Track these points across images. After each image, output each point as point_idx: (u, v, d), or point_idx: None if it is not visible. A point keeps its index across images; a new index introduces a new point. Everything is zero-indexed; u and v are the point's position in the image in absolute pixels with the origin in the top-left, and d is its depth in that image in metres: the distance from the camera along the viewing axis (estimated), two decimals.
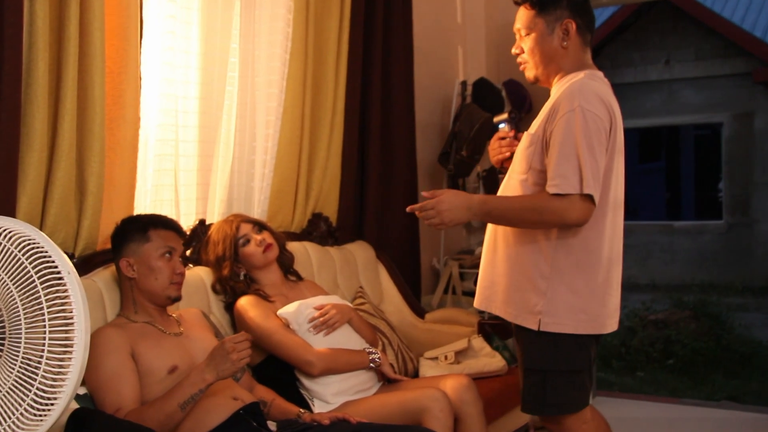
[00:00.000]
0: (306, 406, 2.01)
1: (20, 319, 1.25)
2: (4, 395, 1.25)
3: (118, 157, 1.98)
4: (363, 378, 2.11)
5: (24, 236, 1.29)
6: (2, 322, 1.27)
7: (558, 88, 1.78)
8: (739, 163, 8.87)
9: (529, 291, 1.75)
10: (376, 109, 2.96)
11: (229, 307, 2.18)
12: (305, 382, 2.05)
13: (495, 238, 1.84)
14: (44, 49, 1.73)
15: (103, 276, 1.90)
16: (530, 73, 1.84)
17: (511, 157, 1.88)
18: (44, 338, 1.24)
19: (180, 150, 2.24)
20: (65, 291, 1.26)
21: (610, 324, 1.80)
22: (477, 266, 2.03)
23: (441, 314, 2.86)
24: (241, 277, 2.19)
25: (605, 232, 1.75)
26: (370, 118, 2.95)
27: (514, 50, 1.86)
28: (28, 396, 1.23)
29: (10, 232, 1.30)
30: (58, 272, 1.26)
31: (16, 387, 1.24)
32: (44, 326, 1.24)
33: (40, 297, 1.25)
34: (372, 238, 2.93)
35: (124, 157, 1.99)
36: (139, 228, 1.84)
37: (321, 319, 2.11)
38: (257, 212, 2.52)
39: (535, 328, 1.74)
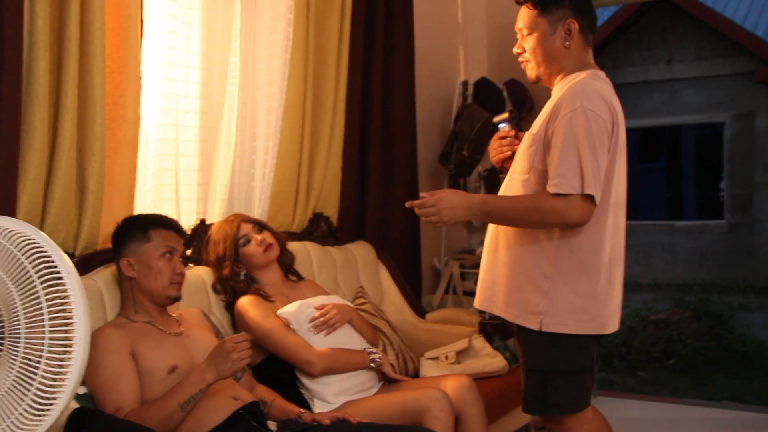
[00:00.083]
0: (306, 405, 2.01)
1: (20, 319, 1.25)
2: (3, 395, 1.25)
3: (119, 156, 1.98)
4: (363, 378, 2.11)
5: (24, 236, 1.29)
6: (2, 321, 1.27)
7: (560, 87, 1.78)
8: (740, 163, 8.86)
9: (531, 291, 1.75)
10: (377, 109, 2.96)
11: (230, 306, 2.18)
12: (306, 381, 2.05)
13: (496, 238, 1.84)
14: (45, 48, 1.73)
15: (104, 275, 1.90)
16: (532, 72, 1.83)
17: (511, 157, 1.88)
18: (44, 338, 1.24)
19: (180, 150, 2.23)
20: (65, 291, 1.26)
21: (612, 324, 1.79)
22: (478, 266, 2.02)
23: (442, 314, 2.86)
24: (242, 277, 2.19)
25: (607, 232, 1.75)
26: (370, 118, 2.95)
27: (515, 50, 1.85)
28: (27, 396, 1.23)
29: (10, 232, 1.30)
30: (58, 272, 1.26)
31: (15, 386, 1.24)
32: (44, 326, 1.24)
33: (39, 297, 1.25)
34: (373, 238, 2.93)
35: (124, 157, 1.99)
36: (139, 228, 1.84)
37: (321, 319, 2.11)
38: (258, 212, 2.52)
39: (536, 328, 1.74)
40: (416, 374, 2.45)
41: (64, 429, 1.51)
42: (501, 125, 1.93)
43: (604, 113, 1.68)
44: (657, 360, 5.44)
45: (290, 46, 2.53)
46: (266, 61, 2.51)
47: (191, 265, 2.21)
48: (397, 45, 3.04)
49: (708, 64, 8.86)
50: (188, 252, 2.22)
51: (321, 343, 2.08)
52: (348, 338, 2.16)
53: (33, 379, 1.23)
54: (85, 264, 1.89)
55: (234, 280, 2.17)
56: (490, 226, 1.87)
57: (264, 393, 1.93)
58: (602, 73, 1.80)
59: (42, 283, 1.25)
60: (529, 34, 1.80)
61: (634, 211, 7.92)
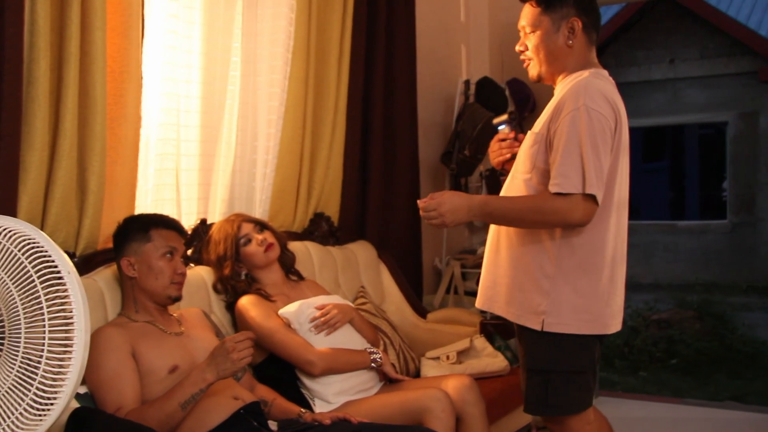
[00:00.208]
0: (307, 405, 2.01)
1: (20, 319, 1.25)
2: (3, 394, 1.25)
3: (120, 156, 1.98)
4: (364, 378, 2.11)
5: (24, 236, 1.29)
6: (2, 321, 1.27)
7: (562, 86, 1.77)
8: (743, 163, 8.84)
9: (533, 291, 1.74)
10: (379, 109, 2.96)
11: (230, 306, 2.18)
12: (306, 381, 2.05)
13: (498, 238, 1.83)
14: (45, 48, 1.73)
15: (104, 275, 1.90)
16: (534, 71, 1.83)
17: (511, 159, 1.87)
18: (44, 338, 1.24)
19: (181, 149, 2.23)
20: (65, 291, 1.26)
21: (614, 324, 1.79)
22: (479, 266, 2.02)
23: (443, 314, 2.86)
24: (243, 277, 2.19)
25: (609, 231, 1.74)
26: (372, 118, 2.95)
27: (518, 47, 1.84)
28: (27, 395, 1.23)
29: (10, 232, 1.30)
30: (58, 272, 1.26)
31: (15, 386, 1.24)
32: (44, 326, 1.24)
33: (39, 297, 1.25)
34: (374, 238, 2.92)
35: (125, 157, 1.99)
36: (140, 227, 1.84)
37: (322, 318, 2.11)
38: (259, 212, 2.52)
39: (538, 328, 1.73)
40: (417, 374, 2.45)
41: (64, 428, 1.51)
42: (500, 127, 1.93)
43: (607, 112, 1.67)
44: (659, 360, 5.43)
45: (292, 46, 2.53)
46: (267, 61, 2.51)
47: (192, 264, 2.21)
48: (399, 44, 3.04)
49: (711, 63, 8.84)
50: (189, 252, 2.22)
51: (322, 343, 2.08)
52: (349, 338, 2.15)
53: (33, 379, 1.23)
54: (85, 263, 1.89)
55: (235, 280, 2.17)
56: (492, 226, 1.86)
57: (265, 393, 1.93)
58: (605, 72, 1.80)
59: (42, 282, 1.25)
60: (532, 31, 1.79)
61: (636, 210, 7.93)
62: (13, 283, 1.26)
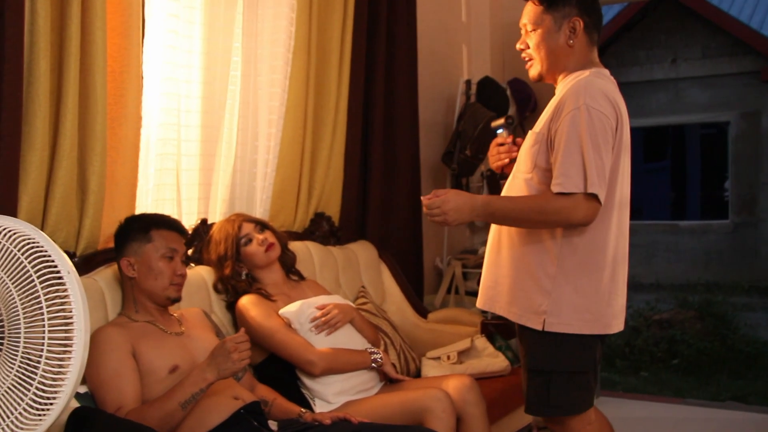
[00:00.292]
0: (307, 405, 2.01)
1: (20, 319, 1.25)
2: (3, 394, 1.25)
3: (120, 156, 1.98)
4: (365, 378, 2.11)
5: (24, 236, 1.29)
6: (1, 321, 1.27)
7: (563, 85, 1.77)
8: (745, 163, 8.83)
9: (534, 291, 1.74)
10: (380, 108, 2.95)
11: (231, 306, 2.18)
12: (306, 381, 2.05)
13: (499, 237, 1.83)
14: (45, 48, 1.73)
15: (105, 275, 1.90)
16: (534, 69, 1.82)
17: (510, 163, 1.87)
18: (44, 337, 1.24)
19: (182, 149, 2.23)
20: (65, 291, 1.26)
21: (616, 324, 1.78)
22: (480, 266, 2.02)
23: (444, 314, 2.86)
24: (243, 277, 2.18)
25: (611, 231, 1.74)
26: (373, 117, 2.95)
27: (518, 45, 1.84)
28: (27, 395, 1.23)
29: (10, 232, 1.30)
30: (58, 272, 1.26)
31: (15, 386, 1.24)
32: (43, 326, 1.24)
33: (39, 296, 1.25)
34: (374, 238, 2.92)
35: (125, 157, 1.99)
36: (141, 228, 1.83)
37: (323, 318, 2.10)
38: (259, 212, 2.52)
39: (539, 328, 1.73)
40: (418, 374, 2.44)
41: (64, 428, 1.51)
42: (498, 131, 1.93)
43: (608, 111, 1.67)
44: (660, 360, 5.43)
45: (292, 46, 2.53)
46: (268, 61, 2.51)
47: (192, 264, 2.21)
48: (400, 44, 3.03)
49: (713, 63, 8.83)
50: (189, 252, 2.22)
51: (322, 342, 2.08)
52: (349, 338, 2.15)
53: (33, 379, 1.23)
54: (86, 263, 1.89)
55: (235, 280, 2.17)
56: (493, 226, 1.86)
57: (265, 392, 1.93)
58: (606, 72, 1.79)
59: (42, 282, 1.25)
60: (534, 30, 1.79)
61: (637, 210, 7.91)
62: (12, 283, 1.26)
